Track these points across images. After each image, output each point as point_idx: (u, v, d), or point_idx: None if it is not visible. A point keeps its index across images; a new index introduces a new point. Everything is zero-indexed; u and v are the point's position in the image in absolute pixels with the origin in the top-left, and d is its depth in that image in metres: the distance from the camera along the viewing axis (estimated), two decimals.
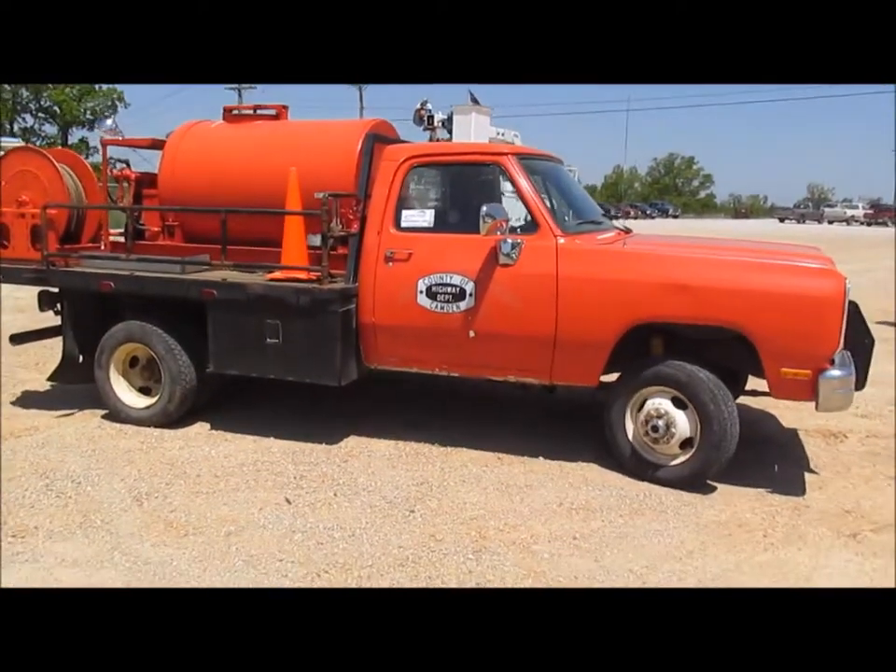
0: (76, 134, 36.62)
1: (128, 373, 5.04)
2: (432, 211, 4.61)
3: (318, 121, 5.62)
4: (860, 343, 4.26)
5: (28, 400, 5.46)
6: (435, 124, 17.02)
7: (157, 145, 5.75)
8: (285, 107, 5.62)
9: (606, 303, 4.08)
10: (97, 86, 35.25)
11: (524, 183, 4.33)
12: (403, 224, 4.50)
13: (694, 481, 4.05)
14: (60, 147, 7.85)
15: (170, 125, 5.83)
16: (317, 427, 4.89)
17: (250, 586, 2.98)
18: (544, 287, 4.17)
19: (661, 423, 4.05)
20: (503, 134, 18.82)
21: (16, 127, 35.70)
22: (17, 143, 19.40)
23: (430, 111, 17.01)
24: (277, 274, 4.66)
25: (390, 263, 4.45)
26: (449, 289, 4.33)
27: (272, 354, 4.57)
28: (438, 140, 17.11)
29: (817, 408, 3.91)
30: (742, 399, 4.79)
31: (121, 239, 5.46)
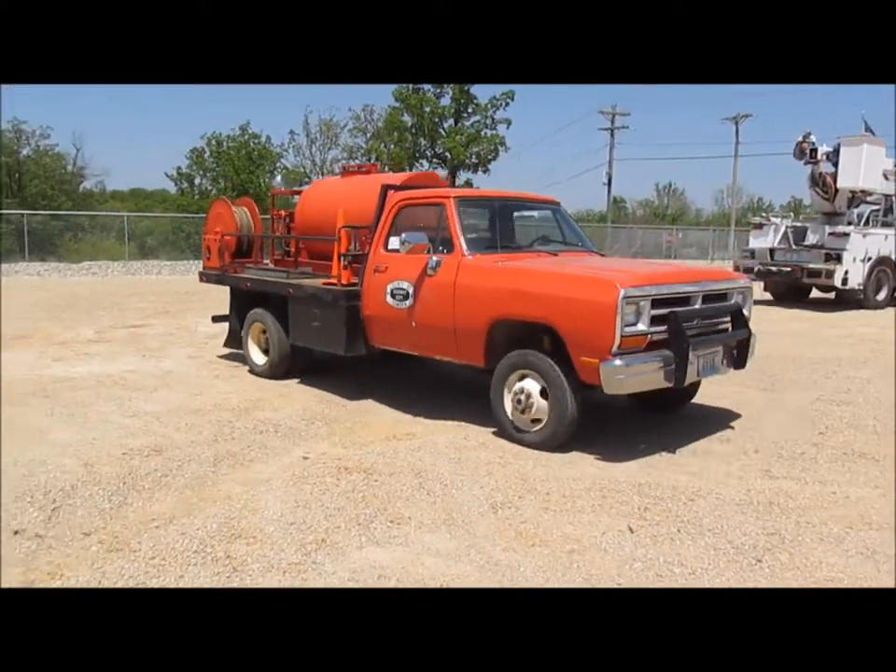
0: (462, 176, 40.54)
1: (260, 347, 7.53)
2: (404, 237, 5.88)
3: (376, 175, 7.64)
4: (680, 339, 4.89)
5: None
6: (818, 157, 15.84)
7: (298, 193, 8.58)
8: (374, 164, 8.33)
9: (476, 304, 5.42)
10: (483, 132, 38.67)
11: (452, 217, 5.80)
12: (389, 247, 6.16)
13: (553, 440, 5.04)
14: (244, 197, 11.50)
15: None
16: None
17: None
18: (448, 291, 5.60)
19: (523, 396, 5.14)
20: None
21: (415, 171, 40.69)
22: None
23: (814, 143, 15.87)
24: (323, 280, 6.73)
25: (376, 273, 6.22)
26: (401, 292, 5.95)
27: (317, 331, 6.72)
28: (821, 174, 15.92)
29: (602, 390, 4.80)
30: None
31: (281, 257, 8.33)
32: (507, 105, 38.07)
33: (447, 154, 39.32)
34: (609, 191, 44.68)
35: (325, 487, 4.38)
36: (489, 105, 38.26)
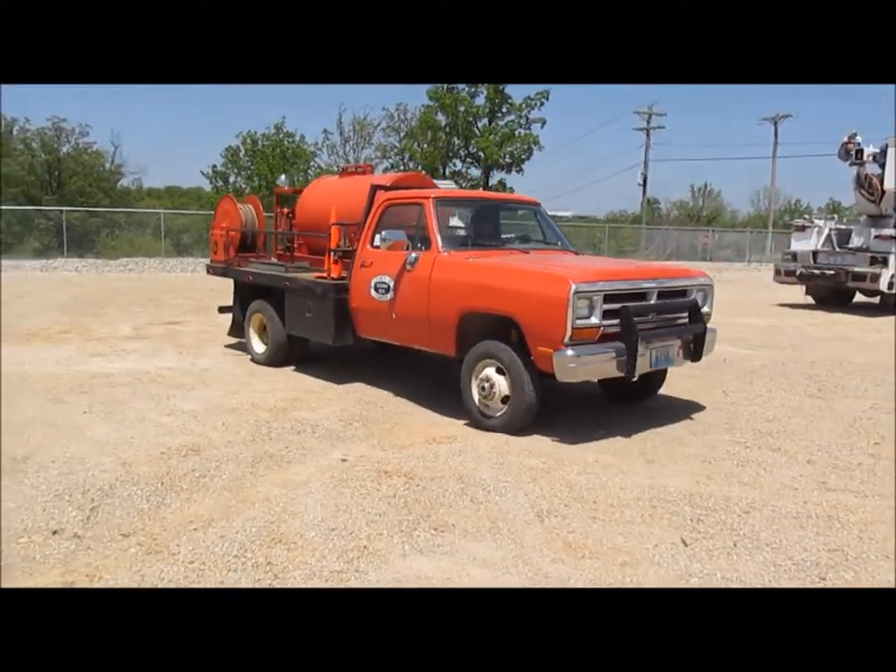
0: (495, 176, 40.30)
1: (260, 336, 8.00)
2: (384, 234, 6.34)
3: (370, 175, 8.12)
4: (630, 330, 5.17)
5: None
6: (864, 158, 15.45)
7: (298, 192, 9.15)
8: (370, 165, 8.88)
9: (448, 297, 5.80)
10: (517, 132, 38.42)
11: (430, 217, 6.17)
12: (375, 243, 6.54)
13: (513, 424, 5.38)
14: (250, 196, 11.72)
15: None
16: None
17: None
18: (424, 285, 5.98)
19: (487, 384, 5.49)
20: None
21: (447, 171, 40.53)
22: (449, 185, 22.00)
23: (860, 144, 15.48)
24: (315, 274, 7.21)
25: (362, 268, 6.62)
26: (383, 285, 6.34)
27: (309, 322, 7.15)
28: (867, 175, 15.52)
29: (555, 377, 5.12)
30: None
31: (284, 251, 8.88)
32: (542, 104, 37.77)
33: (481, 154, 39.13)
34: (644, 192, 44.20)
35: (365, 491, 4.28)
36: (524, 105, 37.98)
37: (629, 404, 6.35)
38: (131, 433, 5.30)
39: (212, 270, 9.16)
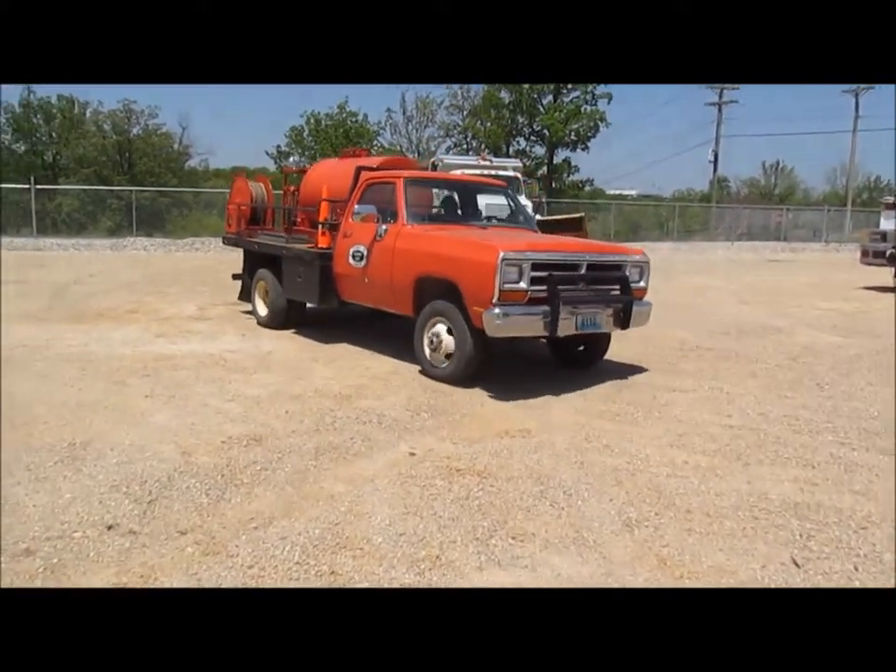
0: (560, 154, 39.44)
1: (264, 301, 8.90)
2: (357, 208, 7.30)
3: (363, 159, 8.83)
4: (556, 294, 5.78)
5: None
6: None
7: (304, 171, 10.18)
8: (365, 149, 10.44)
9: (408, 264, 6.58)
10: (583, 108, 37.45)
11: (399, 194, 6.99)
12: (354, 217, 7.35)
13: (457, 374, 6.12)
14: (260, 175, 12.31)
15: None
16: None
17: None
18: (389, 253, 6.77)
19: (435, 338, 6.27)
20: None
21: (511, 149, 39.88)
22: (515, 162, 21.50)
23: None
24: (307, 244, 8.07)
25: (344, 238, 7.39)
26: (358, 253, 7.03)
27: (300, 286, 8.05)
28: None
29: (485, 333, 5.76)
30: None
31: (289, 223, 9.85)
32: None
33: (545, 131, 38.32)
34: (714, 170, 42.64)
35: (435, 491, 3.97)
36: None
37: (579, 369, 6.94)
38: (192, 420, 5.11)
39: (226, 241, 10.27)
